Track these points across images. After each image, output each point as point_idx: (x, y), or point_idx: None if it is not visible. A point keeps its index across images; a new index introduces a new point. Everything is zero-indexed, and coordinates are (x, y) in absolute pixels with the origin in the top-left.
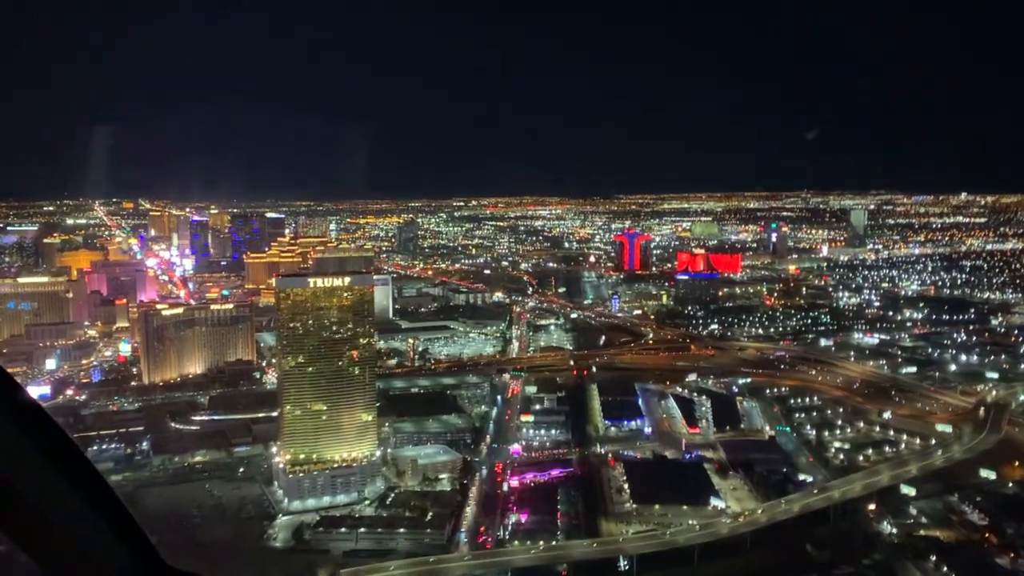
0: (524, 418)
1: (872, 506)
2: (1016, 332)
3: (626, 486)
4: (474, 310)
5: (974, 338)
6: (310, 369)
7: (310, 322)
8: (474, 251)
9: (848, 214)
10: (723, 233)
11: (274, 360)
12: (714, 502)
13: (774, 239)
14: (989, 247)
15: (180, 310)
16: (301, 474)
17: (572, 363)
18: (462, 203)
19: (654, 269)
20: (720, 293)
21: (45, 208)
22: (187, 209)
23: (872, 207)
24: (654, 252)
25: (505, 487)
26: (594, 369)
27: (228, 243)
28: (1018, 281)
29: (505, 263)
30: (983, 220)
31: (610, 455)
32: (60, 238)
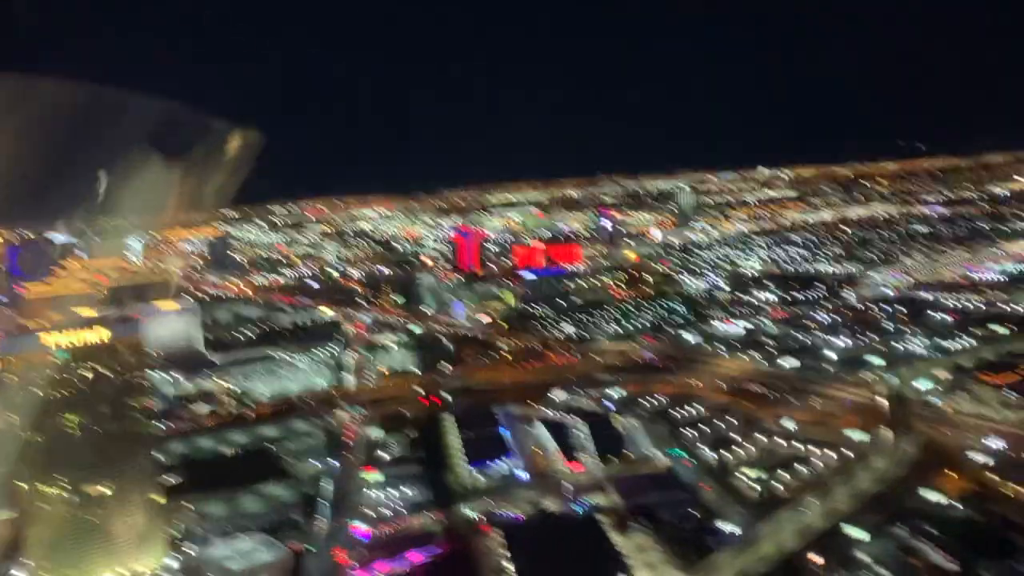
0: (369, 475)
1: (819, 559)
2: (875, 307)
3: (510, 566)
4: (301, 332)
5: (837, 318)
6: (58, 454)
7: (52, 392)
8: (297, 261)
9: (675, 196)
10: (553, 223)
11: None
12: None
13: (608, 226)
14: (810, 219)
15: None
16: None
17: (421, 390)
18: (283, 208)
19: (494, 267)
20: (567, 289)
21: None
22: None
23: (684, 187)
24: (490, 248)
25: None
26: (448, 396)
27: (5, 273)
28: (854, 252)
29: (333, 272)
30: (794, 193)
31: (482, 518)
32: None
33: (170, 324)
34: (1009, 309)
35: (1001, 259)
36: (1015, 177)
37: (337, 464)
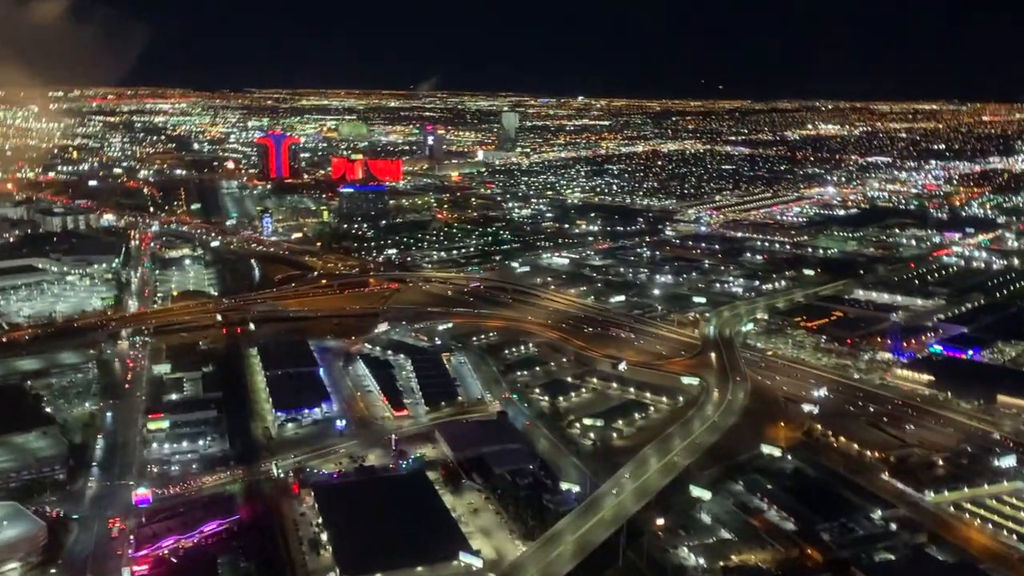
0: (153, 423)
1: (660, 520)
2: (691, 243)
3: (324, 538)
4: (75, 240)
5: (657, 253)
6: None
7: None
8: (75, 155)
9: (499, 116)
10: (372, 134)
11: None
12: (464, 558)
13: (430, 142)
14: (623, 150)
15: None
16: None
17: (220, 317)
18: (60, 94)
19: (307, 177)
20: (388, 208)
21: None
22: None
23: (506, 108)
24: (303, 156)
25: (126, 574)
26: (252, 325)
27: None
28: (669, 186)
29: (118, 170)
30: (607, 123)
31: (292, 476)
32: None
33: None
34: (811, 251)
35: (801, 202)
36: (808, 125)
37: (115, 407)
